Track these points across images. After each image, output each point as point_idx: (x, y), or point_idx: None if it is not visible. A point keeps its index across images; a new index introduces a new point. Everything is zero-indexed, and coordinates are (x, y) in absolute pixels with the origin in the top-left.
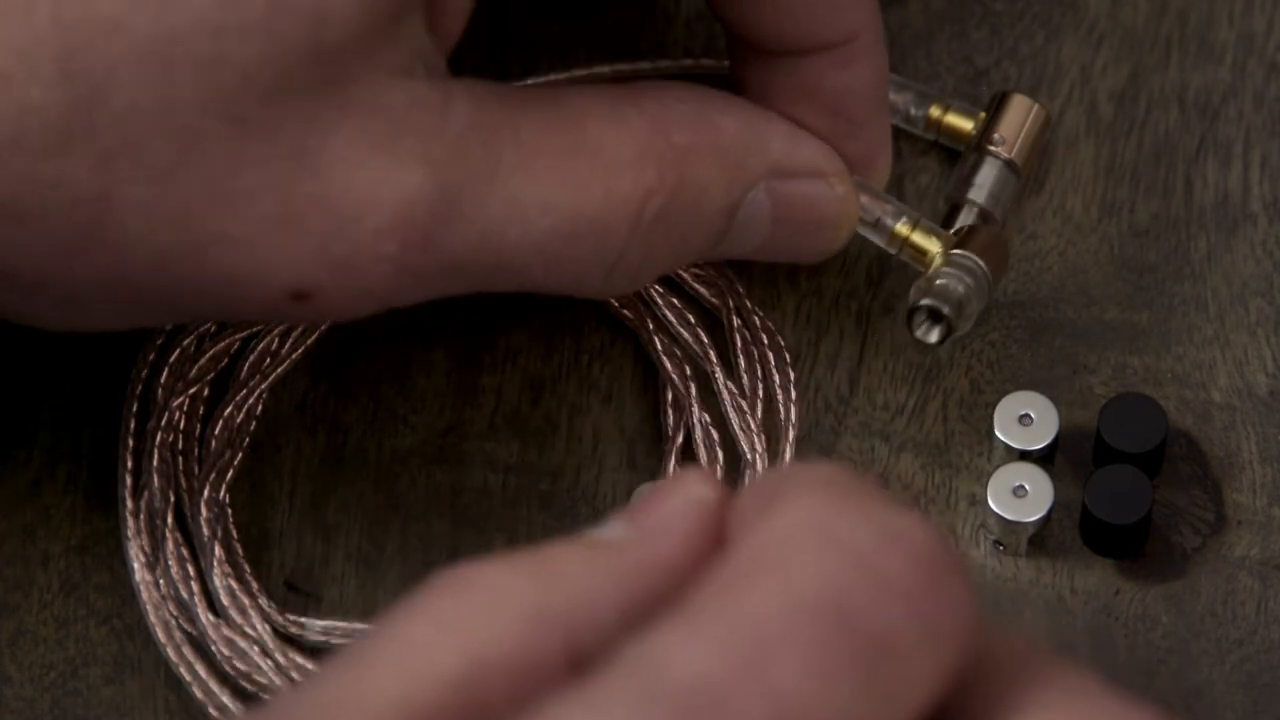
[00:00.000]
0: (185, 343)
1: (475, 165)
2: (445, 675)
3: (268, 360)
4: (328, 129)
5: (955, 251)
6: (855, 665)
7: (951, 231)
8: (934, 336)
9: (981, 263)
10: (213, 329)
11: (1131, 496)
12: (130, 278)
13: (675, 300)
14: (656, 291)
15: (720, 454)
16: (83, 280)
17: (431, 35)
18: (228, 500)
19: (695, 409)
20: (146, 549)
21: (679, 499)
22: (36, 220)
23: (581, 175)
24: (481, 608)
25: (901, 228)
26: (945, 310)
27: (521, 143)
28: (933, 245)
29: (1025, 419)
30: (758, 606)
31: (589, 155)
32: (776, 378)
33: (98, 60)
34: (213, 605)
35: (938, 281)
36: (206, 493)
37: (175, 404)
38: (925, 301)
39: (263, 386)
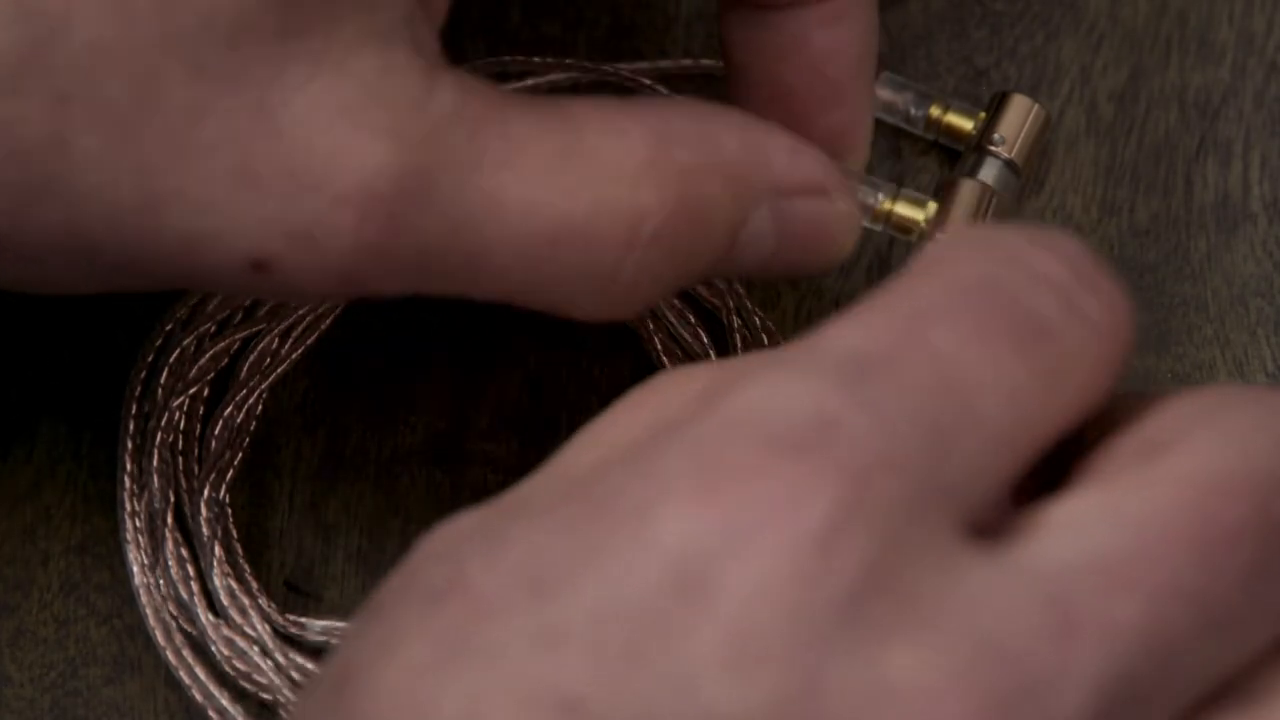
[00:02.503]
0: (185, 343)
1: (454, 152)
2: None
3: (268, 360)
4: (293, 85)
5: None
6: (1013, 336)
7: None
8: None
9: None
10: (213, 329)
11: None
12: (85, 234)
13: (675, 300)
14: None
15: None
16: (36, 235)
17: (421, 8)
18: (228, 500)
19: None
20: (146, 549)
21: None
22: None
23: (571, 181)
24: (695, 391)
25: (884, 203)
26: None
27: (509, 138)
28: (918, 214)
29: None
30: (918, 293)
31: (582, 161)
32: None
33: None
34: (213, 605)
35: None
36: (206, 493)
37: (175, 404)
38: None
39: (263, 386)
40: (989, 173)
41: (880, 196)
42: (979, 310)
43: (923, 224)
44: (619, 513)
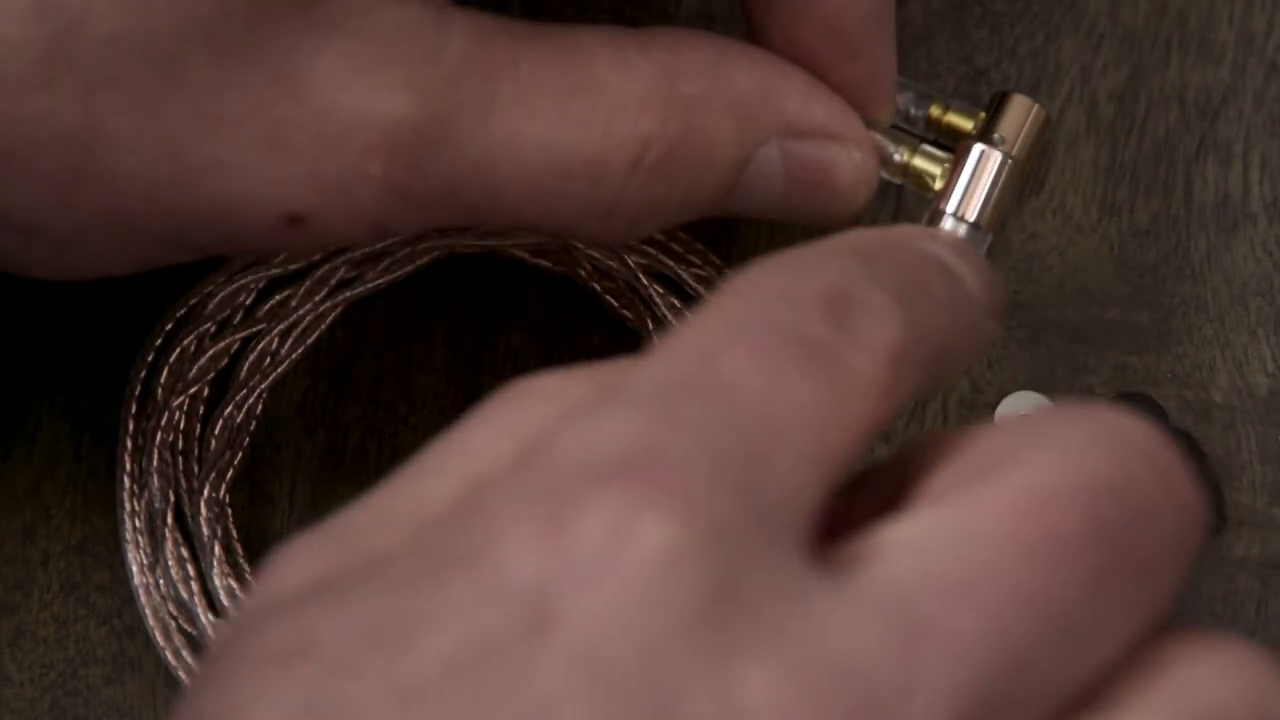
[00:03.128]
0: (185, 343)
1: (469, 96)
2: None
3: (268, 360)
4: (312, 52)
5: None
6: (794, 358)
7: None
8: None
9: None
10: (213, 329)
11: None
12: (126, 212)
13: (675, 300)
14: (656, 292)
15: None
16: (78, 219)
17: None
18: (228, 500)
19: None
20: (146, 549)
21: None
22: (24, 159)
23: (581, 115)
24: (540, 412)
25: (904, 155)
26: None
27: (520, 78)
28: (935, 169)
29: None
30: (704, 326)
31: (591, 95)
32: None
33: None
34: (213, 605)
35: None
36: (206, 493)
37: (175, 404)
38: None
39: (263, 386)
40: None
41: (900, 150)
42: (757, 337)
43: (938, 181)
44: (459, 560)
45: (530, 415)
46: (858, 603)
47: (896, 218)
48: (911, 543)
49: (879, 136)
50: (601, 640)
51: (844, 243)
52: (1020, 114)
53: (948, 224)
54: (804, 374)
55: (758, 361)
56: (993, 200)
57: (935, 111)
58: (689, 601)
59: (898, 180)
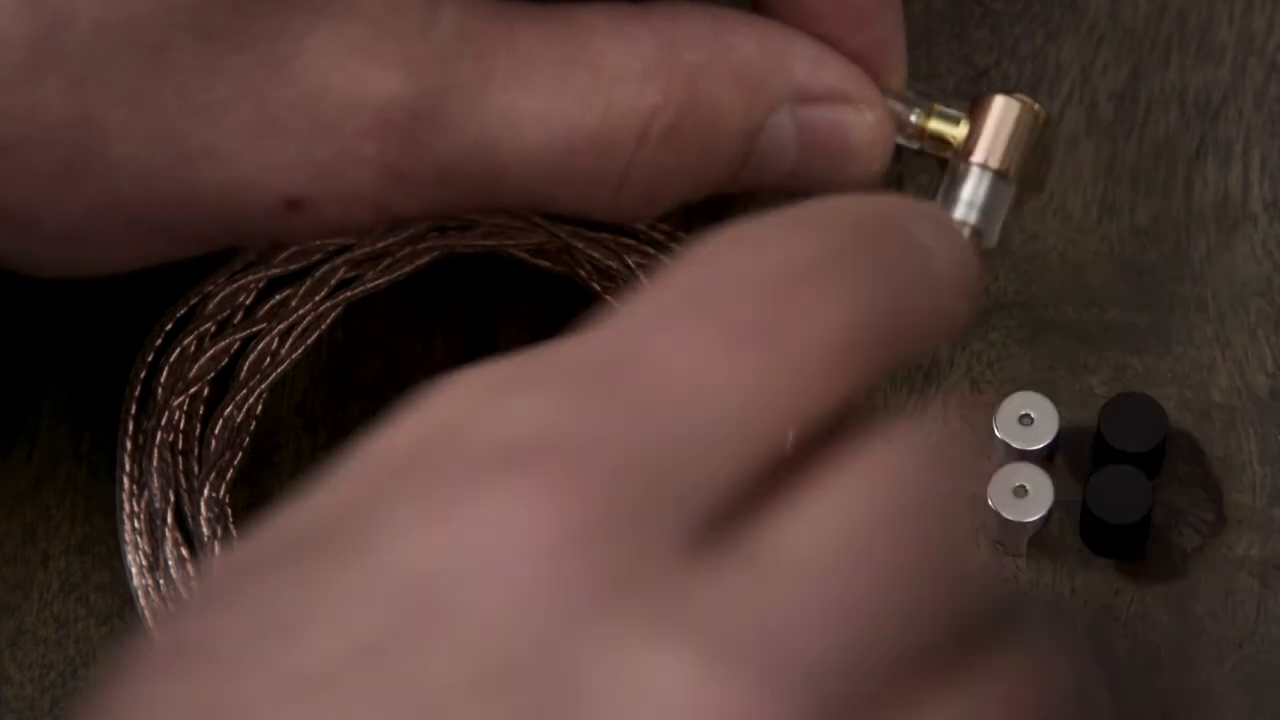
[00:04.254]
0: (185, 343)
1: (463, 73)
2: None
3: (268, 360)
4: (300, 33)
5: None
6: (727, 341)
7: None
8: None
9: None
10: (212, 329)
11: (1131, 496)
12: (122, 202)
13: None
14: None
15: None
16: (75, 212)
17: None
18: (228, 500)
19: None
20: (146, 549)
21: None
22: (17, 153)
23: (581, 89)
24: (461, 398)
25: (920, 118)
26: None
27: (517, 53)
28: (953, 130)
29: (1025, 419)
30: (640, 308)
31: (590, 69)
32: None
33: None
34: None
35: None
36: (206, 493)
37: (175, 404)
38: None
39: (263, 386)
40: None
41: (915, 111)
42: (692, 319)
43: (958, 141)
44: (350, 550)
45: (453, 402)
46: (752, 579)
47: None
48: (782, 535)
49: (893, 101)
50: (492, 630)
51: (806, 215)
52: (998, 117)
53: (972, 174)
54: (735, 359)
55: (688, 344)
56: (1016, 148)
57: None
58: (580, 589)
59: (915, 145)
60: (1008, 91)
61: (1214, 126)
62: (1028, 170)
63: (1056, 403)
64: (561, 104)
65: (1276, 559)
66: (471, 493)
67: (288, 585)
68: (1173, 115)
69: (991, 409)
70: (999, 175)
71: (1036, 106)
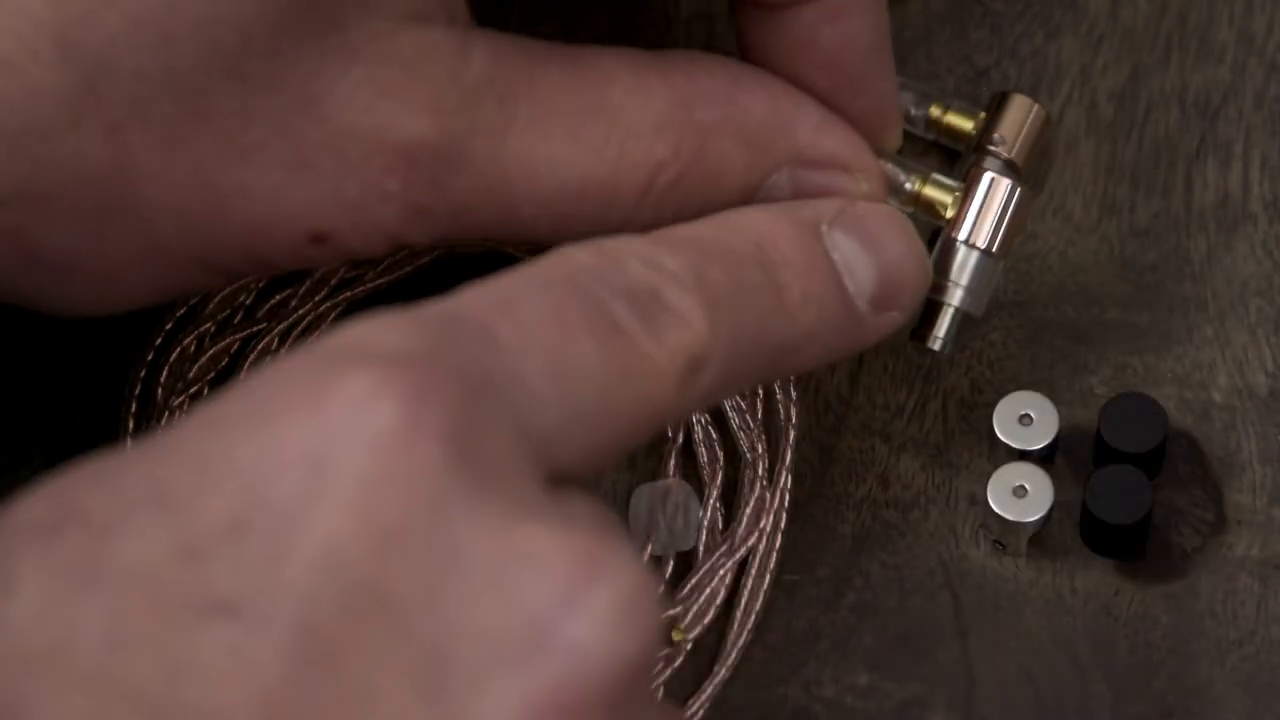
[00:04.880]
0: (185, 342)
1: (487, 117)
2: None
3: (268, 360)
4: (333, 77)
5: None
6: (590, 326)
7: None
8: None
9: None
10: (212, 329)
11: (1131, 496)
12: (159, 242)
13: None
14: None
15: (720, 454)
16: (113, 253)
17: None
18: None
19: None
20: None
21: None
22: (58, 199)
23: (596, 138)
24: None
25: (915, 185)
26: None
27: (537, 99)
28: (946, 198)
29: (1025, 419)
30: (521, 278)
31: (606, 119)
32: None
33: (97, 35)
34: None
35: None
36: None
37: (175, 404)
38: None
39: None
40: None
41: (910, 179)
42: (562, 300)
43: (949, 210)
44: (238, 428)
45: (347, 328)
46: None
47: None
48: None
49: (889, 166)
50: (373, 491)
51: (691, 233)
52: (1020, 114)
53: (959, 252)
54: (595, 344)
55: (553, 319)
56: (1004, 227)
57: (935, 111)
58: (442, 466)
59: (909, 209)
60: (1007, 92)
61: (1214, 126)
62: (1029, 172)
63: (1056, 403)
64: (576, 152)
65: (1276, 559)
66: (342, 381)
67: (179, 459)
68: (1173, 115)
69: (991, 409)
70: (985, 253)
71: (1036, 106)
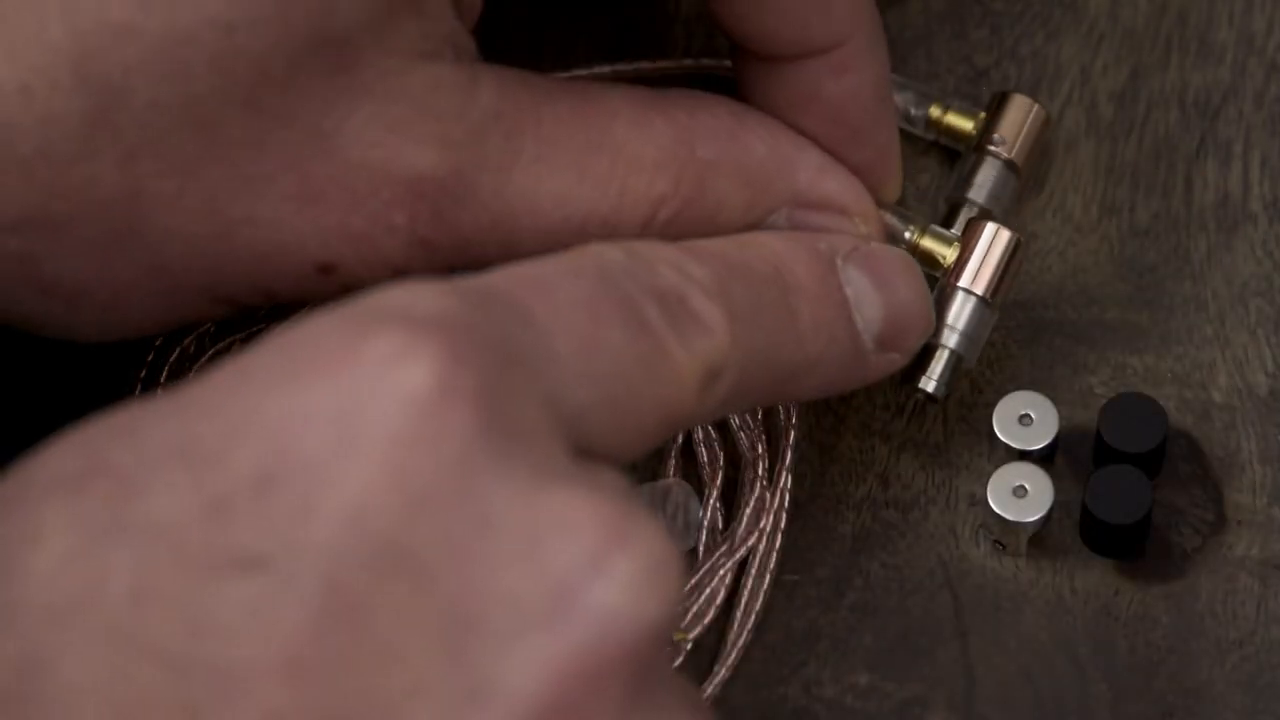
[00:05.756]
0: (185, 342)
1: (493, 152)
2: None
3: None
4: (344, 112)
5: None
6: (624, 318)
7: (952, 229)
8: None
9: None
10: (212, 329)
11: (1131, 496)
12: (167, 268)
13: None
14: None
15: (720, 454)
16: (122, 280)
17: (458, 15)
18: None
19: None
20: None
21: None
22: (71, 226)
23: (599, 174)
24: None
25: (914, 235)
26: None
27: (542, 134)
28: (945, 249)
29: (1025, 419)
30: (562, 263)
31: (610, 155)
32: None
33: (113, 65)
34: None
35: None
36: None
37: None
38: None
39: None
40: (989, 173)
41: (910, 229)
42: (595, 290)
43: (948, 262)
44: (268, 384)
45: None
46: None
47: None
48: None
49: (889, 216)
50: (403, 451)
51: (715, 247)
52: (1020, 114)
53: (958, 298)
54: (626, 337)
55: (587, 306)
56: (1003, 276)
57: (935, 112)
58: (473, 428)
59: None
60: (1007, 92)
61: (1214, 126)
62: (1029, 172)
63: (1056, 403)
64: (580, 187)
65: (1276, 559)
66: (377, 340)
67: (207, 414)
68: (1173, 115)
69: (991, 409)
70: (983, 301)
71: (1036, 106)
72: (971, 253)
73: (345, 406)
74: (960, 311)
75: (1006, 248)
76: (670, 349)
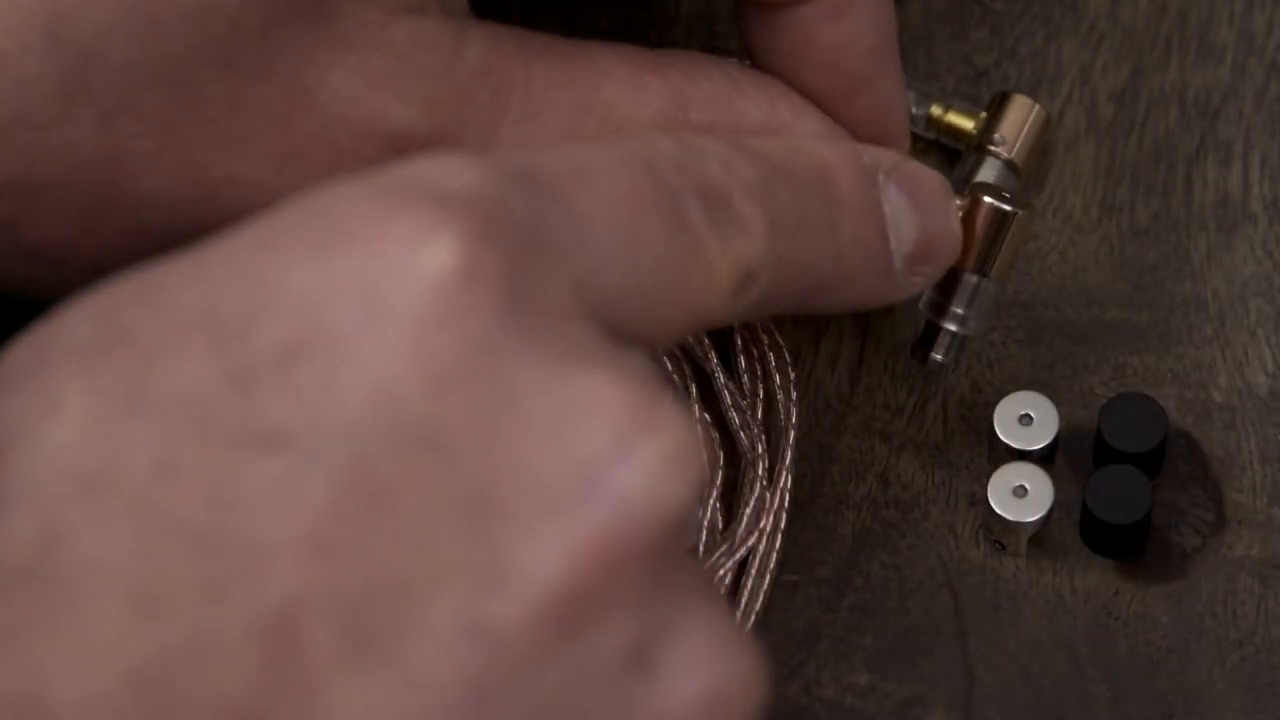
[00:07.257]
0: None
1: (479, 110)
2: None
3: None
4: (324, 66)
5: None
6: (665, 210)
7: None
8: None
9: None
10: None
11: (1131, 496)
12: (150, 233)
13: None
14: None
15: (720, 454)
16: (105, 243)
17: None
18: None
19: (695, 409)
20: None
21: None
22: (51, 190)
23: (588, 135)
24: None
25: (935, 110)
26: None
27: (531, 93)
28: (967, 123)
29: (1025, 419)
30: (610, 151)
31: (599, 115)
32: (776, 378)
33: (86, 25)
34: None
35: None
36: None
37: None
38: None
39: None
40: (989, 173)
41: (929, 106)
42: (638, 181)
43: (972, 134)
44: (291, 252)
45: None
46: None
47: None
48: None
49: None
50: (428, 330)
51: (765, 148)
52: (1021, 114)
53: (961, 277)
54: (664, 232)
55: (628, 196)
56: (1004, 252)
57: (935, 111)
58: (499, 308)
59: (931, 136)
60: (1007, 92)
61: (1214, 126)
62: (1029, 172)
63: (1056, 403)
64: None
65: (1276, 559)
66: (407, 213)
67: (229, 282)
68: (1173, 115)
69: (991, 408)
70: (986, 277)
71: (1037, 107)
72: (971, 232)
73: (370, 285)
74: (964, 290)
75: (1004, 223)
76: (708, 249)
